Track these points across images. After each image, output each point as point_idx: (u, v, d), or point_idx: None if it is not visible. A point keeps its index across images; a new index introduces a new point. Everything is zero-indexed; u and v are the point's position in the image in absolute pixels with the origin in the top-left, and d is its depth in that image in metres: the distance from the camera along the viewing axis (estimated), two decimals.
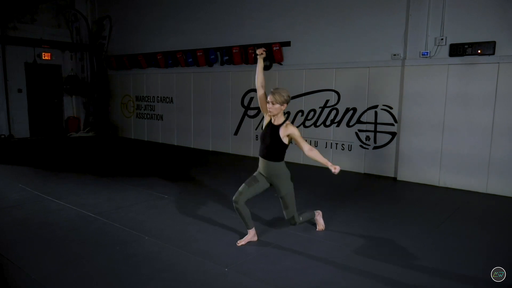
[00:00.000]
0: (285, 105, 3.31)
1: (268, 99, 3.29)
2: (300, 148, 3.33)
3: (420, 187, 5.84)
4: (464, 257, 3.38)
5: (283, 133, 3.31)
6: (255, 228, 3.61)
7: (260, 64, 3.52)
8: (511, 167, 5.26)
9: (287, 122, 3.36)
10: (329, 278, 2.97)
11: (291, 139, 3.35)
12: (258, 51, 3.52)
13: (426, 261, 3.27)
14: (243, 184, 3.49)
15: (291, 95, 7.64)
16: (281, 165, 3.42)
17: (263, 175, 3.48)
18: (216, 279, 2.88)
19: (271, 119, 3.41)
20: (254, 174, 3.54)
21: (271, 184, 3.50)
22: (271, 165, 3.40)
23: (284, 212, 3.54)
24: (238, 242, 3.55)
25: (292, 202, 3.48)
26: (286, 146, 3.38)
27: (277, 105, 3.27)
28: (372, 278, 2.96)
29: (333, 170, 3.21)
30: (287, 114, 3.36)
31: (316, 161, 3.31)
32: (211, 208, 4.62)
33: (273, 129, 3.36)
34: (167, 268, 3.08)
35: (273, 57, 3.66)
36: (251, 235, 3.58)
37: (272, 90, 3.31)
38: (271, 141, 3.36)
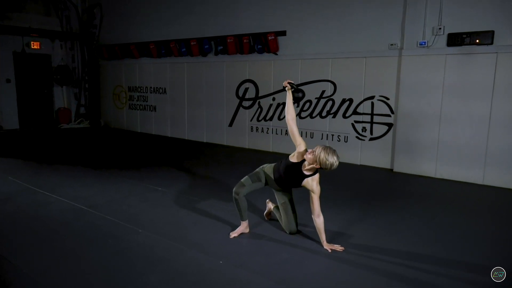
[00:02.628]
0: (319, 166, 3.12)
1: (315, 148, 3.12)
2: (310, 204, 3.28)
3: (417, 178, 5.88)
4: (460, 249, 3.42)
5: (305, 183, 3.27)
6: (248, 220, 3.62)
7: (289, 97, 3.40)
8: (508, 158, 5.30)
9: (316, 176, 3.25)
10: (326, 270, 2.99)
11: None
12: (284, 84, 3.45)
13: (423, 253, 3.30)
14: (247, 177, 3.50)
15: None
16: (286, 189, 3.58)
17: (268, 180, 3.54)
18: (211, 272, 2.89)
19: (300, 163, 3.27)
20: (257, 170, 3.57)
21: (266, 184, 3.57)
22: (277, 187, 3.53)
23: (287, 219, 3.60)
24: (231, 234, 3.57)
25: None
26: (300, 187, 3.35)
27: (313, 159, 3.10)
28: (368, 270, 2.98)
29: (325, 247, 3.29)
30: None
31: (317, 230, 3.33)
32: (205, 200, 4.62)
33: (299, 174, 3.26)
34: (161, 261, 3.08)
35: (301, 89, 3.51)
36: (243, 227, 3.60)
37: (325, 146, 3.11)
38: (290, 183, 3.38)
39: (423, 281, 2.84)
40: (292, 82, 3.46)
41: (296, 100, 3.44)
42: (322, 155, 3.05)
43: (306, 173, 3.24)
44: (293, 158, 3.32)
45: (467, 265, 3.09)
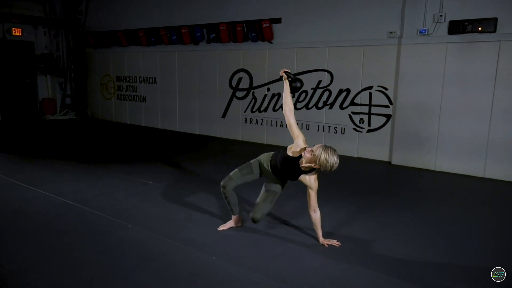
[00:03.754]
0: (318, 166, 2.99)
1: (314, 148, 2.98)
2: (307, 199, 3.24)
3: (416, 171, 5.91)
4: (460, 243, 3.45)
5: (301, 178, 3.21)
6: (240, 215, 3.63)
7: (286, 86, 3.31)
8: (510, 150, 5.34)
9: (314, 174, 3.18)
10: (321, 266, 3.00)
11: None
12: (281, 73, 3.34)
13: (421, 248, 3.32)
14: (236, 170, 3.47)
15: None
16: (282, 181, 3.47)
17: (263, 171, 3.48)
18: (204, 268, 2.89)
19: (298, 158, 3.16)
20: (251, 162, 3.51)
21: (261, 175, 3.52)
22: (273, 178, 3.43)
23: (259, 205, 3.40)
24: (220, 227, 3.59)
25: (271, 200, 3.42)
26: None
27: (312, 159, 2.97)
28: (365, 267, 2.99)
29: (321, 242, 3.30)
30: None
31: (313, 225, 3.33)
32: (198, 194, 4.61)
33: (296, 170, 3.18)
34: (153, 257, 3.07)
35: (299, 78, 3.40)
36: (234, 222, 3.60)
37: (326, 146, 2.96)
38: (286, 175, 3.31)
39: (421, 277, 2.86)
40: (289, 71, 3.38)
41: (293, 90, 3.34)
42: (323, 157, 2.91)
43: (304, 169, 3.16)
44: (290, 151, 3.22)
45: (467, 260, 3.12)
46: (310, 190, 3.22)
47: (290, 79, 3.34)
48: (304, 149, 3.08)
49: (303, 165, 3.10)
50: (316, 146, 3.00)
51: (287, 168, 3.24)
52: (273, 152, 3.46)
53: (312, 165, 3.01)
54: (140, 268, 2.91)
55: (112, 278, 2.78)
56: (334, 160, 2.91)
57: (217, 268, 2.89)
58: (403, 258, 3.15)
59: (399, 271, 2.94)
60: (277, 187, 3.42)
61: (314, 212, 3.29)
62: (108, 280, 2.75)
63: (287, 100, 3.30)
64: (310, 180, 3.19)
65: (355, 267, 2.98)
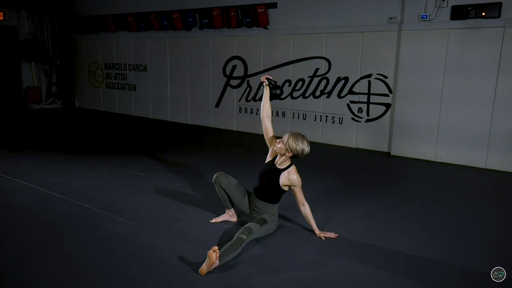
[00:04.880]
0: (291, 154, 3.17)
1: (283, 137, 3.18)
2: (294, 196, 3.32)
3: (415, 162, 5.94)
4: (460, 236, 3.48)
5: (283, 180, 3.25)
6: (234, 209, 3.62)
7: (266, 93, 3.44)
8: None
9: (291, 168, 3.26)
10: (317, 259, 3.02)
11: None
12: (262, 79, 3.46)
13: (420, 241, 3.35)
14: (236, 181, 3.45)
15: (278, 63, 7.56)
16: (272, 208, 3.37)
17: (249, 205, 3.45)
18: (197, 262, 2.89)
19: (275, 157, 3.34)
20: (245, 193, 3.49)
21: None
22: (261, 204, 3.36)
23: (243, 228, 3.12)
24: (212, 220, 3.61)
25: (257, 232, 3.17)
26: (283, 191, 3.34)
27: (283, 147, 3.15)
28: (362, 260, 3.02)
29: (318, 235, 3.30)
30: (293, 159, 3.27)
31: (306, 219, 3.36)
32: (190, 186, 4.60)
33: (274, 172, 3.27)
34: (144, 251, 3.07)
35: (280, 86, 3.52)
36: (228, 215, 3.62)
37: (293, 132, 3.19)
38: (268, 184, 3.31)
39: (420, 270, 2.89)
40: (271, 78, 3.47)
41: (273, 97, 3.46)
42: (291, 141, 3.11)
43: (281, 167, 3.27)
44: (266, 161, 3.42)
45: (467, 254, 3.16)
46: (293, 188, 3.28)
47: (271, 85, 3.44)
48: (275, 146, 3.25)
49: (279, 161, 3.26)
50: (284, 135, 3.18)
51: (267, 176, 3.32)
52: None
53: (286, 153, 3.17)
54: (131, 262, 2.91)
55: (102, 273, 2.77)
56: (304, 144, 3.12)
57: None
58: (401, 251, 3.17)
59: (397, 264, 2.96)
60: (255, 226, 3.17)
61: (303, 206, 3.34)
62: (98, 275, 2.75)
63: (266, 107, 3.41)
64: (291, 176, 3.24)
65: (352, 261, 3.00)
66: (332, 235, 3.34)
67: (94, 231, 3.40)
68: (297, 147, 3.12)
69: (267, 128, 3.40)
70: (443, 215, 3.93)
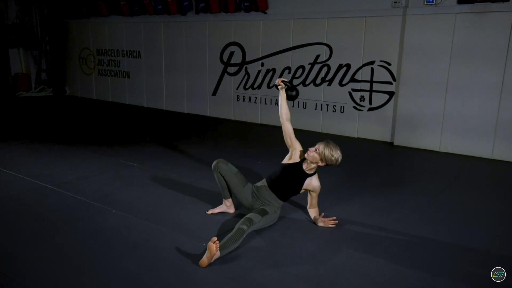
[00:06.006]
0: (324, 163, 3.28)
1: (317, 145, 3.27)
2: (308, 200, 3.48)
3: (419, 152, 5.95)
4: (465, 228, 3.49)
5: (306, 185, 3.38)
6: (232, 200, 3.62)
7: (282, 95, 3.50)
8: None
9: (316, 175, 3.41)
10: (317, 252, 3.03)
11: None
12: (277, 82, 3.53)
13: (423, 234, 3.36)
14: (236, 169, 3.45)
15: (277, 50, 7.52)
16: (279, 202, 3.43)
17: (250, 194, 3.43)
18: (194, 255, 2.89)
19: (301, 161, 3.40)
20: (246, 182, 3.47)
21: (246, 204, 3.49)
22: (271, 195, 3.39)
23: (243, 219, 3.13)
24: (209, 211, 3.62)
25: (258, 222, 3.19)
26: (297, 194, 3.47)
27: (318, 157, 3.25)
28: (364, 252, 3.03)
29: (320, 224, 3.38)
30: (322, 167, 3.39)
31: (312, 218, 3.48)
32: (187, 177, 4.60)
33: (300, 174, 3.37)
34: (139, 244, 3.07)
35: (295, 87, 3.59)
36: (225, 206, 3.62)
37: (327, 141, 3.28)
38: (289, 182, 3.40)
39: (423, 263, 2.90)
40: (286, 80, 3.54)
41: (289, 99, 3.52)
42: (327, 152, 3.21)
43: (309, 172, 3.37)
44: (289, 161, 3.47)
45: (472, 246, 3.17)
46: (313, 194, 3.43)
47: (286, 87, 3.51)
48: (305, 153, 3.34)
49: (308, 167, 3.35)
50: (317, 144, 3.28)
51: (291, 176, 3.39)
52: (264, 179, 3.54)
53: (319, 163, 3.28)
54: (125, 255, 2.91)
55: (96, 267, 2.78)
56: (338, 153, 3.25)
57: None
58: (403, 243, 3.18)
59: (399, 257, 2.97)
60: (256, 217, 3.19)
61: (314, 209, 3.48)
62: (93, 268, 2.76)
63: (284, 109, 3.47)
64: (315, 183, 3.39)
65: (354, 253, 3.01)
66: (332, 221, 3.40)
67: (87, 224, 3.40)
68: (332, 158, 3.22)
69: (289, 131, 3.46)
70: (447, 207, 3.94)
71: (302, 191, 3.43)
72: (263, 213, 3.27)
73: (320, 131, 7.00)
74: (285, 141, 3.50)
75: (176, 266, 2.80)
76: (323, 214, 3.46)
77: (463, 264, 2.90)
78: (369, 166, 5.32)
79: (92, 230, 3.30)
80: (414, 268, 2.82)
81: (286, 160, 3.50)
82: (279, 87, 3.53)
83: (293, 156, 3.46)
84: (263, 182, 3.50)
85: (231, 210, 3.63)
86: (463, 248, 3.12)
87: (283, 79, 3.54)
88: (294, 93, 3.51)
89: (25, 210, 3.69)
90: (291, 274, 2.73)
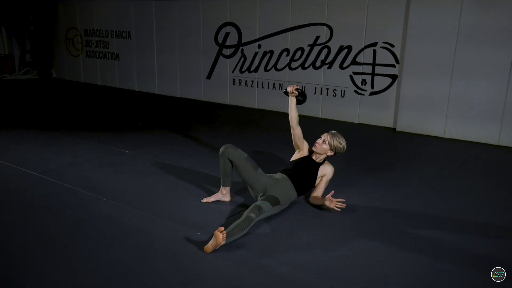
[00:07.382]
0: (333, 153, 3.56)
1: (323, 137, 3.55)
2: (317, 184, 3.62)
3: (423, 138, 5.96)
4: (470, 216, 3.51)
5: (321, 172, 3.61)
6: (230, 188, 3.63)
7: (293, 101, 3.70)
8: None
9: (327, 162, 3.67)
10: (317, 241, 3.04)
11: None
12: (289, 90, 3.70)
13: (426, 221, 3.38)
14: (245, 154, 3.42)
15: (274, 31, 7.48)
16: (293, 195, 3.49)
17: (266, 181, 3.42)
18: (187, 244, 2.90)
19: (309, 155, 3.65)
20: (257, 166, 3.44)
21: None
22: (290, 186, 3.46)
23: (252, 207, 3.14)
24: (203, 199, 3.63)
25: (267, 212, 3.20)
26: (313, 186, 3.64)
27: (327, 148, 3.52)
28: (367, 240, 3.04)
29: (326, 204, 3.39)
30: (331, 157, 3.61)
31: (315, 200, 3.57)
32: (180, 164, 4.59)
33: (313, 165, 3.61)
34: (130, 234, 3.07)
35: (304, 91, 3.86)
36: (221, 194, 3.62)
37: (331, 132, 3.56)
38: (306, 174, 3.59)
39: (426, 253, 2.92)
40: (299, 88, 3.76)
41: (298, 103, 3.73)
42: (336, 142, 3.52)
43: (319, 162, 3.63)
44: (299, 156, 3.72)
45: (477, 234, 3.19)
46: (324, 178, 3.63)
47: (298, 94, 3.71)
48: (313, 146, 3.61)
49: (317, 158, 3.61)
50: (324, 135, 3.56)
51: (304, 168, 3.60)
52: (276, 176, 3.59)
53: (328, 153, 3.57)
54: (116, 245, 2.91)
55: (86, 256, 2.77)
56: (344, 141, 3.57)
57: (202, 244, 2.90)
58: (406, 230, 3.20)
59: (402, 245, 2.99)
60: (266, 205, 3.19)
61: (319, 194, 3.59)
62: (82, 258, 2.75)
63: (294, 114, 3.68)
64: (328, 168, 3.64)
65: (356, 241, 3.03)
66: (340, 201, 3.38)
67: (77, 213, 3.39)
68: (341, 146, 3.53)
69: (299, 134, 3.67)
70: (452, 194, 3.96)
71: (317, 181, 3.61)
72: (275, 202, 3.26)
73: (320, 116, 6.99)
74: (294, 144, 3.72)
75: (170, 255, 2.80)
76: (333, 192, 3.40)
77: (468, 254, 2.92)
78: (370, 152, 5.33)
79: (81, 219, 3.29)
80: (415, 260, 2.83)
81: (294, 157, 3.73)
82: (290, 95, 3.70)
83: (301, 153, 3.71)
84: (279, 175, 3.57)
85: (227, 198, 3.63)
86: (467, 235, 3.14)
87: (297, 87, 3.73)
88: (302, 98, 3.74)
89: (10, 198, 3.67)
90: (295, 266, 2.72)
